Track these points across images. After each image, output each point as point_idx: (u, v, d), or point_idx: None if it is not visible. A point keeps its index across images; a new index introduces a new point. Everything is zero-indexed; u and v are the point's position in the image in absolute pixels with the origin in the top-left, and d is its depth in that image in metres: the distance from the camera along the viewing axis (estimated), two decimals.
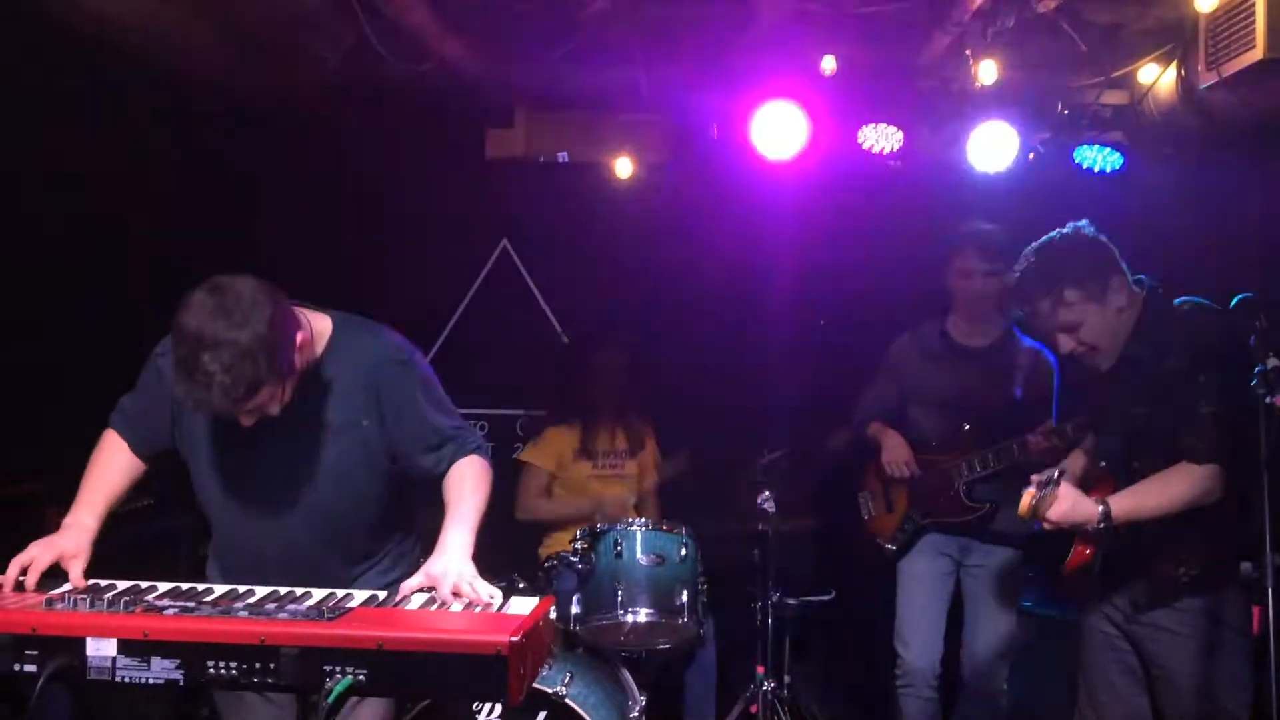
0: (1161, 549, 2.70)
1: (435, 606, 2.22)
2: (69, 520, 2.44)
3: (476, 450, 2.63)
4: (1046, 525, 2.74)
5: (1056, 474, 2.73)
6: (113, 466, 2.59)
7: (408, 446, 2.58)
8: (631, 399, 4.45)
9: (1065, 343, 2.83)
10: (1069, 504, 2.70)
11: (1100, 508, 2.68)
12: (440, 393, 2.67)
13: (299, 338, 2.38)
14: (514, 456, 4.51)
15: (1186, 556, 2.70)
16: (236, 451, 2.52)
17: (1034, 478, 2.79)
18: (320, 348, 2.53)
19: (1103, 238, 2.88)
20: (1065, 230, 2.89)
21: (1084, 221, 2.90)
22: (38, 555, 2.29)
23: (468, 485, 2.55)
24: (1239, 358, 2.45)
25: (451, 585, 2.26)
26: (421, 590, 2.32)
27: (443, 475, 2.59)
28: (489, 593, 2.26)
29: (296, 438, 2.50)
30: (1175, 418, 2.66)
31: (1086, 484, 2.85)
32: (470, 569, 2.33)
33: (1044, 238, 2.90)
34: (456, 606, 2.22)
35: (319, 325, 2.53)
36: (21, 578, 2.26)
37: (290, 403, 2.42)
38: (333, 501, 2.54)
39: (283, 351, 2.31)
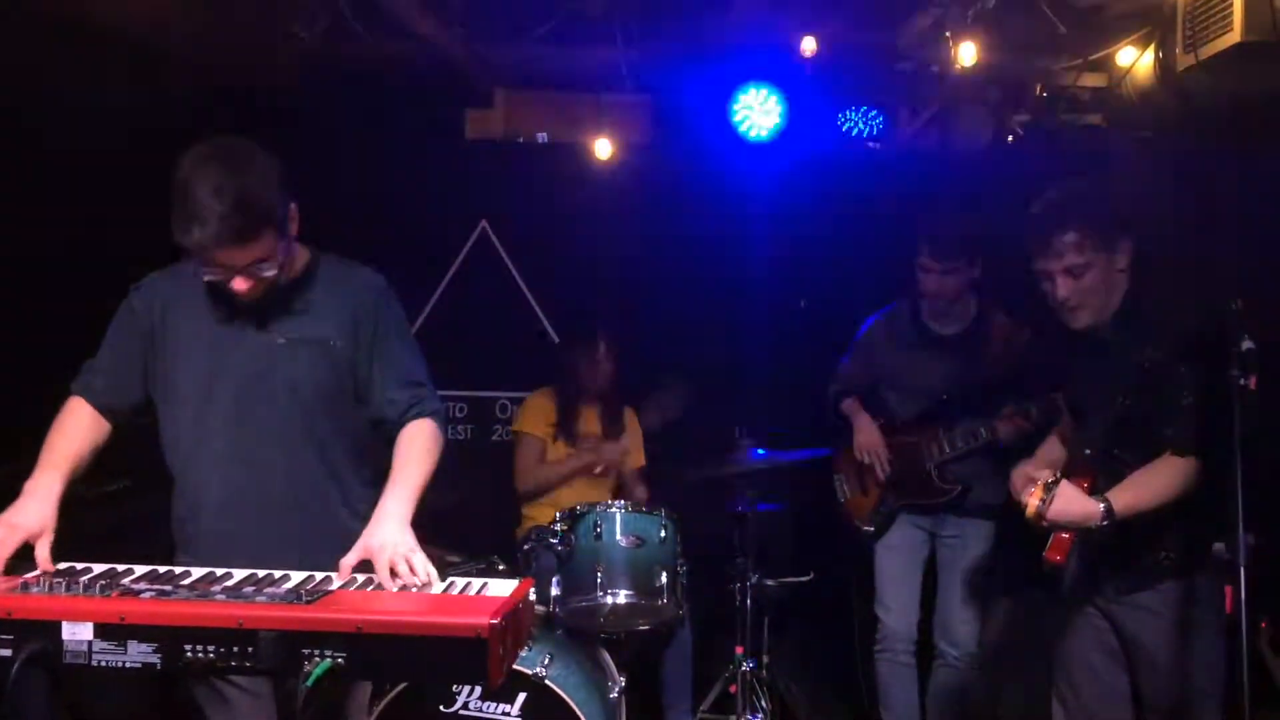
0: (1142, 532, 2.71)
1: (415, 588, 2.21)
2: (30, 485, 2.37)
3: (434, 415, 2.61)
4: (1045, 523, 2.72)
5: (1059, 473, 2.72)
6: (75, 429, 2.53)
7: (375, 378, 2.57)
8: (615, 386, 4.46)
9: (1064, 286, 2.77)
10: (1065, 501, 2.69)
11: (1101, 505, 2.66)
12: (412, 338, 2.69)
13: (292, 208, 2.42)
14: (510, 428, 4.52)
15: (1167, 539, 2.71)
16: (207, 366, 2.50)
17: (1031, 474, 2.78)
18: (299, 269, 2.55)
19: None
20: (1089, 178, 2.87)
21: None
22: (1, 539, 2.22)
23: (417, 450, 2.52)
24: (1216, 342, 2.46)
25: (388, 561, 2.23)
26: (358, 572, 2.28)
27: (399, 424, 2.56)
28: (426, 571, 2.24)
29: (268, 351, 2.50)
30: (1158, 408, 2.66)
31: (1066, 474, 2.85)
32: (409, 540, 2.30)
33: (1067, 181, 2.86)
34: (391, 586, 2.20)
35: (298, 249, 2.55)
36: None
37: (263, 315, 2.47)
38: (301, 423, 2.51)
39: (283, 196, 2.38)
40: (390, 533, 2.30)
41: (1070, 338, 2.94)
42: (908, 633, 4.01)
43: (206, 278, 2.39)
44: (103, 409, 2.57)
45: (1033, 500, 2.72)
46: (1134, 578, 2.77)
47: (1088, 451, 2.84)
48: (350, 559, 2.30)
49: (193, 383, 2.51)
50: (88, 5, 3.44)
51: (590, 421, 4.43)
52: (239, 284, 2.37)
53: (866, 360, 4.17)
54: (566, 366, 4.43)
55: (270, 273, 2.39)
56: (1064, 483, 2.71)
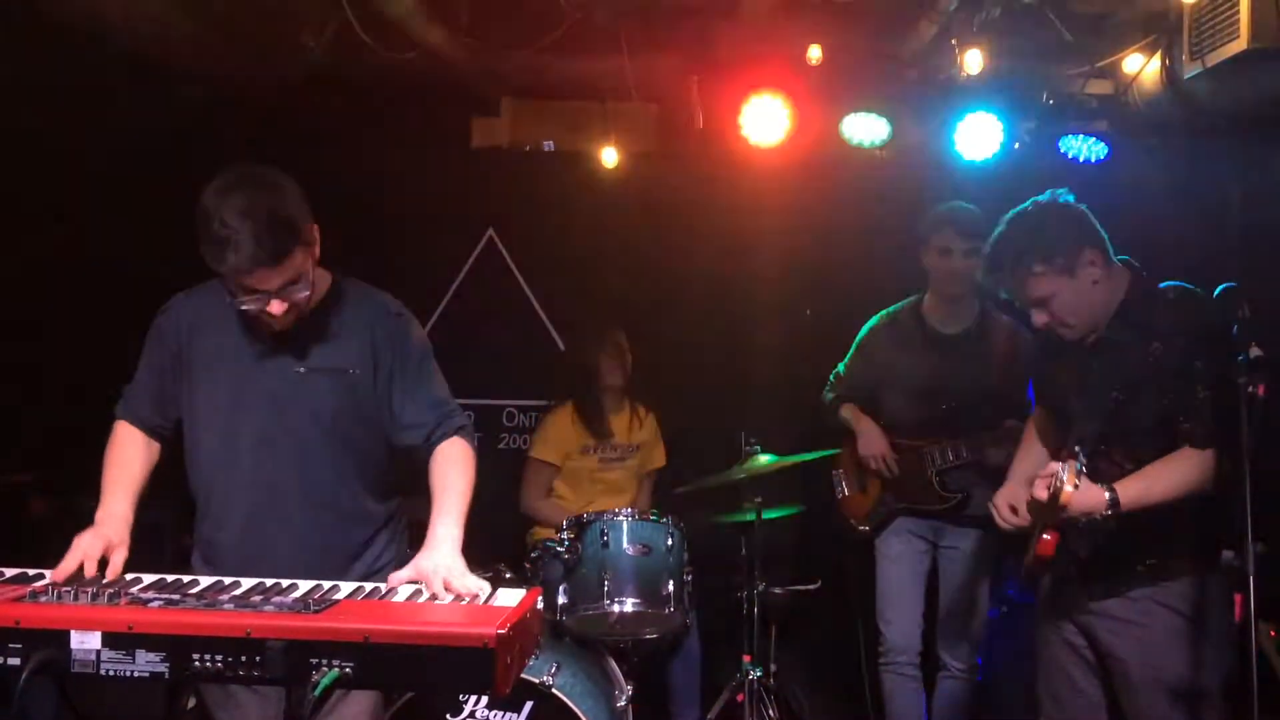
0: (1120, 538, 2.66)
1: (423, 598, 2.22)
2: (103, 513, 2.45)
3: (461, 431, 2.66)
4: (1063, 514, 2.64)
5: (1080, 462, 2.64)
6: (129, 454, 2.59)
7: (398, 405, 2.61)
8: (634, 390, 4.46)
9: (1038, 317, 2.77)
10: (1080, 490, 2.60)
11: (1108, 494, 2.60)
12: (433, 360, 2.71)
13: (314, 230, 2.43)
14: (526, 453, 4.52)
15: (1145, 546, 2.66)
16: (231, 394, 2.53)
17: (1051, 468, 2.72)
18: (319, 295, 2.56)
19: (1080, 207, 2.81)
20: (1041, 199, 2.82)
21: (1063, 190, 2.84)
22: (88, 545, 2.31)
23: (455, 473, 2.57)
24: (1224, 344, 2.44)
25: (441, 583, 2.26)
26: (410, 583, 2.31)
27: (429, 446, 2.60)
28: (477, 586, 2.27)
29: (290, 380, 2.53)
30: (1171, 403, 2.62)
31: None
32: (460, 564, 2.34)
33: (1019, 207, 2.83)
34: (446, 598, 2.21)
35: (319, 274, 2.56)
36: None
37: (287, 343, 2.50)
38: (320, 447, 2.55)
39: (308, 219, 2.39)
40: (443, 557, 2.35)
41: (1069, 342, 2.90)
42: (910, 645, 3.99)
43: (244, 307, 2.40)
44: (150, 430, 2.63)
45: (1067, 487, 2.58)
46: (1109, 582, 2.71)
47: (1077, 448, 2.77)
48: (402, 575, 2.33)
49: (217, 410, 2.55)
50: (95, 15, 3.46)
51: (615, 431, 4.43)
52: (275, 308, 2.38)
53: (868, 361, 4.14)
54: (583, 367, 4.42)
55: (304, 294, 2.42)
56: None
